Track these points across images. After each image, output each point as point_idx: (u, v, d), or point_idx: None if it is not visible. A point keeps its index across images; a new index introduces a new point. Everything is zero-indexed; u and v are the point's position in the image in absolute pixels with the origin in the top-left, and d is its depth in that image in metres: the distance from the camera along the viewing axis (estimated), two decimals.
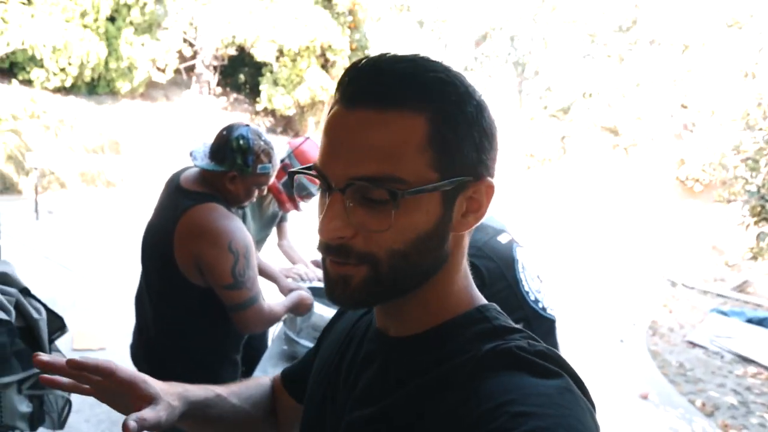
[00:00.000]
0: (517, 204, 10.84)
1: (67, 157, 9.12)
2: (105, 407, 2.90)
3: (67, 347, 3.87)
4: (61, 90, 10.35)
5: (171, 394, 0.72)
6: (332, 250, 0.55)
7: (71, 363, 0.67)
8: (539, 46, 12.02)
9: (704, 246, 8.44)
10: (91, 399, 2.90)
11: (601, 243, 9.09)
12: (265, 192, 2.52)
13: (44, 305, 1.64)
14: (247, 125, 1.87)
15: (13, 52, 9.24)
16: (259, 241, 2.64)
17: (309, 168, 0.58)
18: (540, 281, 1.34)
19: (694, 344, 5.13)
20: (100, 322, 4.12)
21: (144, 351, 1.92)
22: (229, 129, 1.86)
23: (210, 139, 1.92)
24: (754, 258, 4.16)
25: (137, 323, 1.95)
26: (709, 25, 10.02)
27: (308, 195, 2.47)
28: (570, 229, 9.87)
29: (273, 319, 1.86)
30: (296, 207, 2.53)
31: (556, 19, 11.33)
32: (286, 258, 2.75)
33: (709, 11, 10.17)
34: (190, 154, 1.87)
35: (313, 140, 2.44)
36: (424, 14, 15.91)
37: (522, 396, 0.48)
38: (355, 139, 0.53)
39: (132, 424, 0.60)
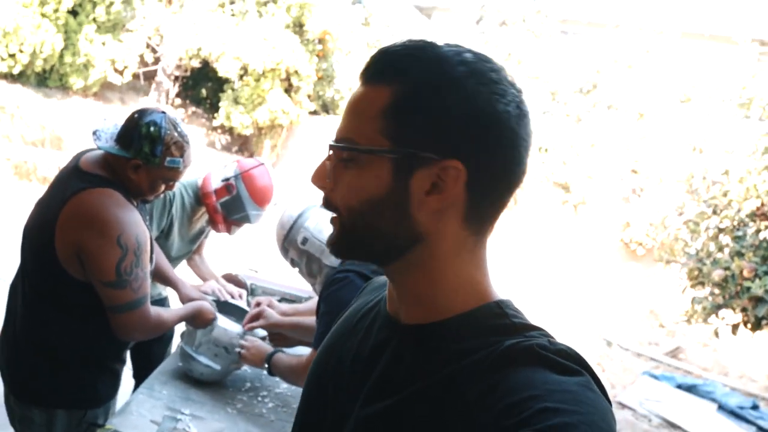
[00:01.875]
0: None
1: (2, 146, 8.59)
2: None
3: None
4: (8, 77, 9.85)
5: None
6: (323, 201, 0.65)
7: None
8: None
9: (642, 308, 8.55)
10: None
11: (540, 297, 9.12)
12: (200, 210, 2.33)
13: None
14: (164, 112, 1.70)
15: None
16: (178, 258, 2.43)
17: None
18: None
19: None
20: None
21: (7, 349, 1.67)
22: (141, 112, 1.69)
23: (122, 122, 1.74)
24: (688, 321, 4.17)
25: (6, 317, 1.70)
26: (663, 97, 10.45)
27: (243, 220, 2.29)
28: (510, 279, 9.89)
29: (159, 327, 1.65)
30: (228, 230, 2.35)
31: (520, 73, 11.62)
32: (196, 274, 2.54)
33: (664, 85, 10.63)
34: (94, 133, 1.68)
35: (266, 167, 2.27)
36: None
37: (546, 392, 0.48)
38: (346, 111, 0.62)
39: None
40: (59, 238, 1.50)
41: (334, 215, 0.63)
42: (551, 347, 0.53)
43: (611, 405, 0.51)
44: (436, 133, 0.56)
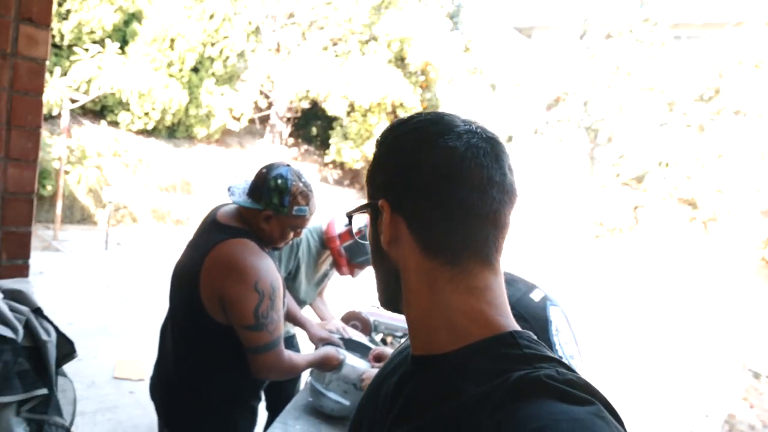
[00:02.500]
0: (583, 273, 10.34)
1: (141, 193, 9.56)
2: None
3: (108, 375, 3.87)
4: (144, 132, 10.98)
5: None
6: None
7: None
8: (613, 112, 11.73)
9: None
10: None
11: (674, 322, 8.45)
12: (325, 253, 2.43)
13: (56, 328, 1.58)
14: (288, 165, 1.81)
15: (105, 96, 9.92)
16: (305, 300, 2.52)
17: None
18: (576, 344, 1.19)
19: None
20: (145, 353, 4.10)
21: (160, 387, 1.83)
22: (269, 167, 1.81)
23: (252, 177, 1.87)
24: None
25: (158, 358, 1.87)
26: None
27: (366, 263, 2.34)
28: (639, 305, 9.27)
29: (292, 369, 1.74)
30: (352, 273, 2.40)
31: (631, 85, 11.08)
32: (316, 314, 2.62)
33: None
34: (228, 189, 1.82)
35: None
36: (496, 78, 16.03)
37: (553, 422, 0.48)
38: None
39: None
40: (203, 287, 1.63)
41: None
42: (559, 377, 0.53)
43: None
44: (385, 184, 0.67)
